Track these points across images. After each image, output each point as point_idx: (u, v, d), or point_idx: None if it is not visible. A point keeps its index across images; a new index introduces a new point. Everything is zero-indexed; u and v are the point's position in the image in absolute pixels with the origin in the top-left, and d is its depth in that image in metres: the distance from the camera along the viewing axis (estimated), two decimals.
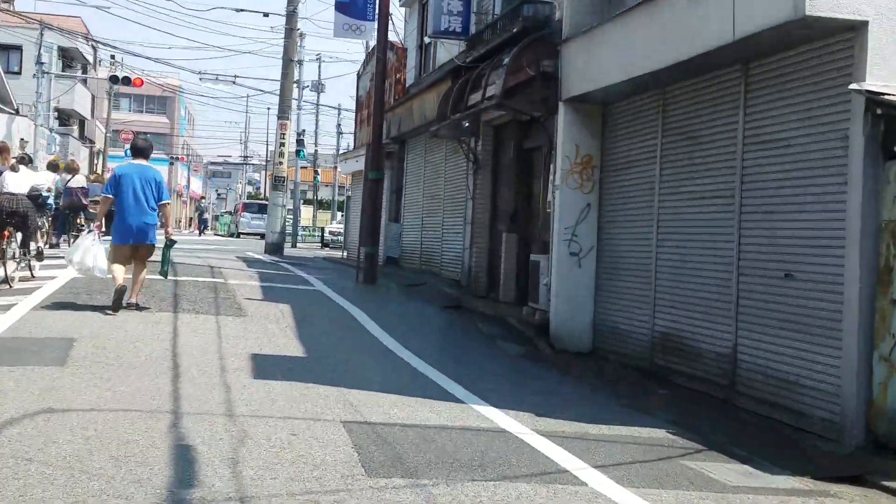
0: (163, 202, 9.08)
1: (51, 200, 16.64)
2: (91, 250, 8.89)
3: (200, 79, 33.28)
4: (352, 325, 9.32)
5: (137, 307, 8.79)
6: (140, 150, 9.49)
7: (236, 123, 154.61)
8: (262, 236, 27.54)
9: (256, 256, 20.42)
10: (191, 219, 69.89)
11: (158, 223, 9.18)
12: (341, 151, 26.52)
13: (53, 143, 33.16)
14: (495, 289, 12.64)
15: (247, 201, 52.50)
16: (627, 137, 9.15)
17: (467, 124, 12.64)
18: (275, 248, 22.83)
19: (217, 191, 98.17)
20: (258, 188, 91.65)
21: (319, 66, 53.16)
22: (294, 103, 30.82)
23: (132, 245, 8.92)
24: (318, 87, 49.28)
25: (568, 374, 8.31)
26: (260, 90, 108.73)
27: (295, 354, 7.51)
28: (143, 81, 32.13)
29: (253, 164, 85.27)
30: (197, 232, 46.63)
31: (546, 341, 9.58)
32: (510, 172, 12.56)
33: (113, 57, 44.83)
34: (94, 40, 38.10)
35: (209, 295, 10.33)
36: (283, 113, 22.93)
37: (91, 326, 7.79)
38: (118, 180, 8.96)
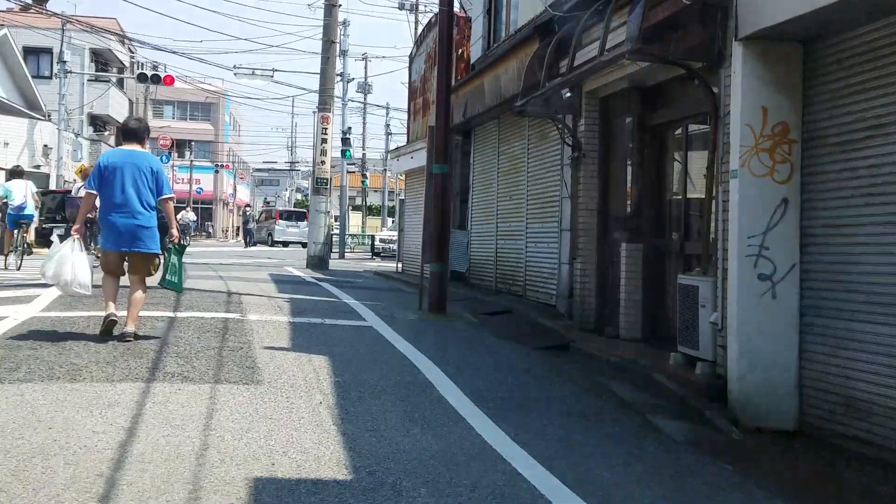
0: (163, 197, 7.25)
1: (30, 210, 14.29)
2: (68, 260, 6.95)
3: (235, 74, 30.77)
4: (424, 394, 5.99)
5: (135, 337, 6.86)
6: (132, 133, 7.42)
7: (282, 129, 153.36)
8: (304, 245, 25.24)
9: (294, 273, 17.29)
10: (238, 228, 67.60)
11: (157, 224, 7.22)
12: (392, 150, 23.37)
13: (80, 149, 30.59)
14: (610, 319, 9.22)
15: (282, 209, 51.13)
16: (861, 91, 5.68)
17: (568, 94, 9.27)
18: (318, 262, 19.71)
19: (265, 199, 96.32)
20: (306, 195, 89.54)
21: (366, 66, 50.10)
22: (337, 100, 27.74)
23: (121, 253, 7.11)
24: (365, 87, 46.38)
25: (781, 481, 4.89)
26: (304, 89, 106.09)
27: (332, 474, 4.21)
28: (174, 79, 29.39)
29: (300, 171, 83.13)
30: (244, 242, 43.88)
31: (722, 412, 6.16)
32: (628, 160, 9.13)
33: (153, 67, 42.46)
34: (128, 38, 35.47)
35: (213, 343, 7.13)
36: (325, 104, 19.78)
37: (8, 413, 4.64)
38: (102, 171, 7.07)
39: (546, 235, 11.34)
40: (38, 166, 29.56)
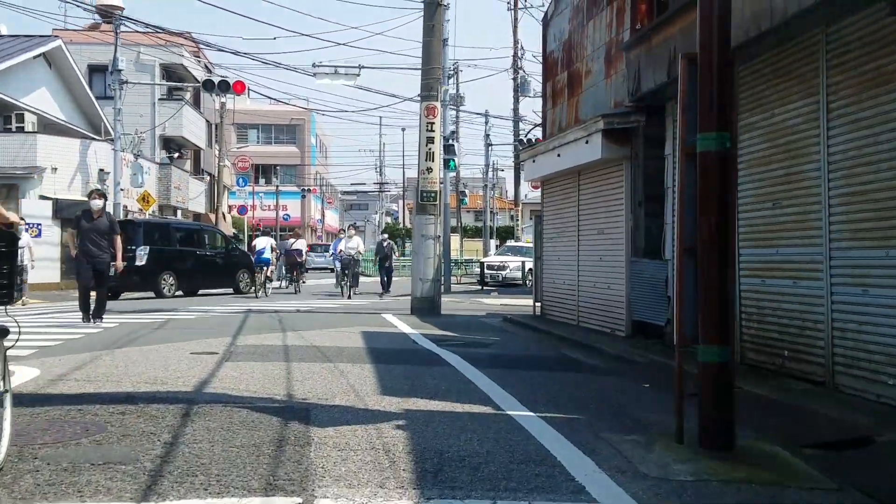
0: None
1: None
2: None
3: (315, 75, 26.75)
4: None
5: None
6: None
7: (371, 152, 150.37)
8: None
9: (397, 327, 12.03)
10: None
11: None
12: (526, 146, 17.74)
13: (141, 172, 26.36)
14: None
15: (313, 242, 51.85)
16: None
17: None
18: (427, 307, 14.46)
19: (354, 224, 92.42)
20: (396, 218, 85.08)
21: (457, 73, 44.71)
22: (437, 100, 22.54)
23: None
24: (458, 99, 41.26)
25: None
26: (394, 96, 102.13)
27: None
28: (244, 86, 24.86)
29: (390, 193, 78.77)
30: (335, 282, 38.53)
31: None
32: None
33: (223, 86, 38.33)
34: (194, 39, 31.45)
35: None
36: (429, 90, 14.57)
37: None
38: None
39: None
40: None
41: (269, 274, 23.23)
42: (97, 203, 11.63)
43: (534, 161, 13.93)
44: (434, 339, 10.56)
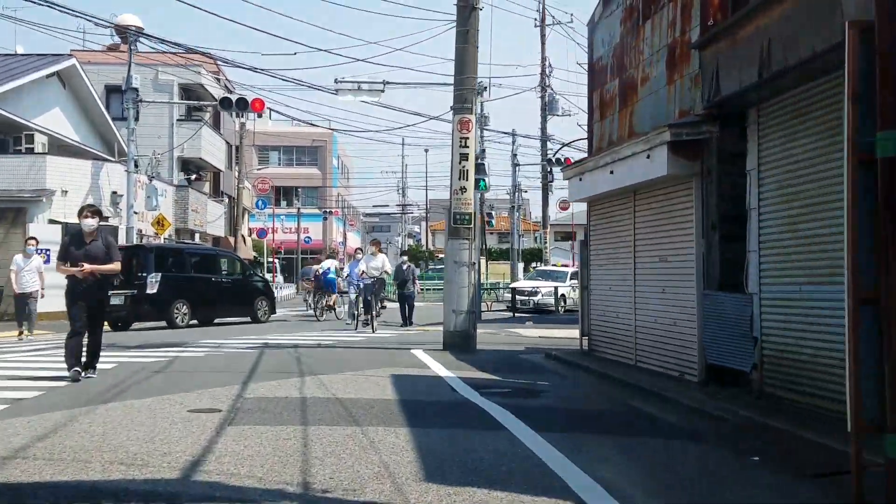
0: None
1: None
2: None
3: (337, 91, 25.53)
4: None
5: None
6: None
7: (394, 173, 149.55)
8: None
9: (427, 366, 10.58)
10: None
11: None
12: (571, 163, 16.17)
13: (155, 195, 25.20)
14: None
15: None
16: None
17: None
18: (461, 342, 13.01)
19: (377, 239, 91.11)
20: (418, 240, 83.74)
21: (483, 94, 43.34)
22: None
23: None
24: (482, 119, 39.98)
25: None
26: (419, 114, 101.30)
27: None
28: (263, 104, 23.65)
29: (412, 214, 77.56)
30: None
31: None
32: None
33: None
34: (211, 56, 30.48)
35: None
36: (463, 101, 13.17)
37: None
38: None
39: None
40: (105, 218, 24.25)
41: (331, 302, 22.41)
42: (90, 223, 9.11)
43: (580, 179, 12.47)
44: (474, 384, 9.11)
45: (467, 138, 13.10)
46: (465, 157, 13.13)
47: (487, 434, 6.13)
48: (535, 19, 40.10)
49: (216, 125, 39.97)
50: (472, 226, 13.35)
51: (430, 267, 48.78)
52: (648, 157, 9.75)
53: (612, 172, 11.06)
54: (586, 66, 13.32)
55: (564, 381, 9.94)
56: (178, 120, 35.76)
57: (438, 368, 10.58)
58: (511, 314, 25.88)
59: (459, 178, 13.13)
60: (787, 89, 7.51)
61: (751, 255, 8.37)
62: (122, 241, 23.57)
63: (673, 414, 7.54)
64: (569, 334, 16.00)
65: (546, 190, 39.60)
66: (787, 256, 7.69)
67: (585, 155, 14.17)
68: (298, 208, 59.62)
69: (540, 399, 8.32)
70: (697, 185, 9.37)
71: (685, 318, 9.62)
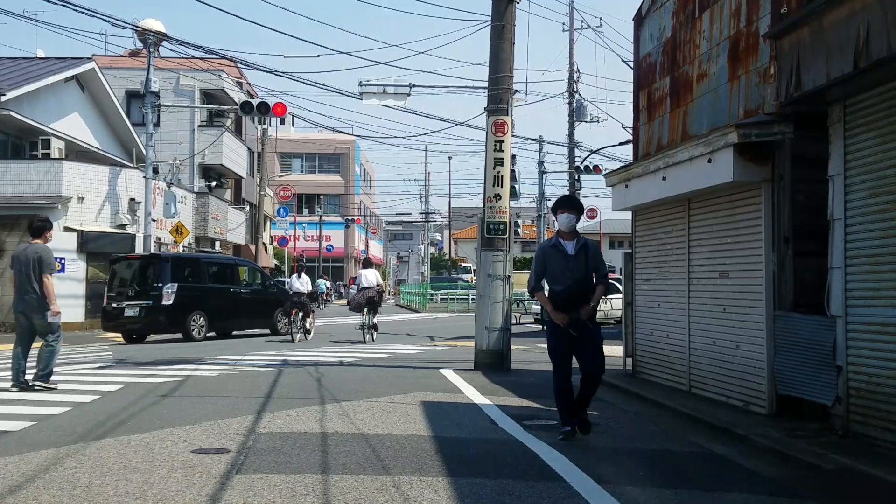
0: None
1: None
2: None
3: (361, 94, 24.64)
4: None
5: None
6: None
7: (416, 181, 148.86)
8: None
9: (460, 391, 9.60)
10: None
11: None
12: (611, 169, 15.04)
13: (173, 202, 24.46)
14: None
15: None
16: None
17: None
18: (495, 361, 12.05)
19: (399, 254, 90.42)
20: (441, 248, 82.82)
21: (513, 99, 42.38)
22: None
23: None
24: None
25: None
26: (444, 120, 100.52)
27: None
28: (285, 108, 22.85)
29: (435, 223, 76.63)
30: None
31: None
32: None
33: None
34: (232, 59, 29.83)
35: None
36: (499, 101, 12.20)
37: None
38: None
39: None
40: (122, 225, 23.57)
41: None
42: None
43: (626, 186, 11.46)
44: (515, 414, 8.15)
45: (503, 141, 12.14)
46: (499, 161, 12.17)
47: (542, 487, 5.14)
48: (563, 23, 39.10)
49: (238, 131, 39.35)
50: (506, 236, 12.38)
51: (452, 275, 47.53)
52: (710, 161, 8.73)
53: (664, 178, 10.05)
54: (631, 64, 12.33)
55: (615, 412, 8.94)
56: (199, 126, 35.16)
57: (473, 394, 9.62)
58: (541, 327, 24.80)
59: (494, 185, 12.17)
60: (885, 81, 6.49)
61: (834, 273, 7.31)
62: (139, 249, 22.87)
63: (751, 457, 6.50)
64: (607, 351, 14.93)
65: None
66: (881, 275, 6.65)
67: (623, 163, 13.19)
68: (321, 216, 58.97)
69: (592, 435, 7.33)
70: (767, 193, 8.34)
71: (751, 342, 8.58)
